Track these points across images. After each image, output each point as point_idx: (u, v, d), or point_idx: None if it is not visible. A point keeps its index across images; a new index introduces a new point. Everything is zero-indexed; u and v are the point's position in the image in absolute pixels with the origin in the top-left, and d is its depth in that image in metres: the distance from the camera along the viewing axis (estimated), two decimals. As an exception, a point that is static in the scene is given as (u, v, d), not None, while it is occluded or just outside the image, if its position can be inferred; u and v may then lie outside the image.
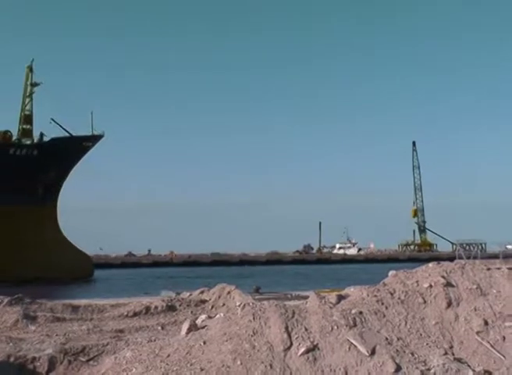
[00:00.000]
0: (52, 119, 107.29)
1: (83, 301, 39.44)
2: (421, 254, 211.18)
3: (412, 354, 16.35)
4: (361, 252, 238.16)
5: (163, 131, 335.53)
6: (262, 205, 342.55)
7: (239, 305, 19.29)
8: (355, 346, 16.25)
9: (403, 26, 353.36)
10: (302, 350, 16.11)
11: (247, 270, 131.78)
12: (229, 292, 35.59)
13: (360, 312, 17.63)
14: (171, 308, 34.19)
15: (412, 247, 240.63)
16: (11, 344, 22.91)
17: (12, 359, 20.09)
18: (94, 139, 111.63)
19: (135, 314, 33.01)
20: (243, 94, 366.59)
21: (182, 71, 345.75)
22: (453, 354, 16.67)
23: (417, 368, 15.78)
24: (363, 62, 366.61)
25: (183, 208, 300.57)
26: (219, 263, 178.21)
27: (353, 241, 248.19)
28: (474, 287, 19.08)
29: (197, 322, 18.95)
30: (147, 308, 33.65)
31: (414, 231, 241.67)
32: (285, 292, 51.05)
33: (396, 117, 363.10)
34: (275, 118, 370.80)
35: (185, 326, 18.29)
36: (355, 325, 17.05)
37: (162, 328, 28.18)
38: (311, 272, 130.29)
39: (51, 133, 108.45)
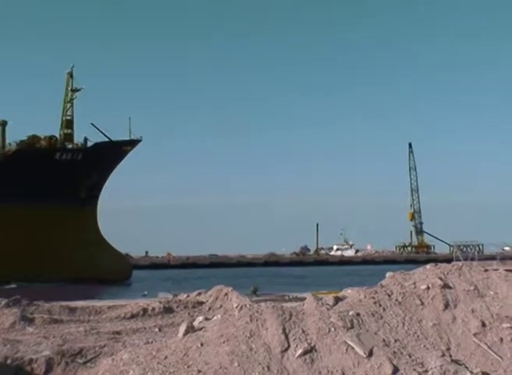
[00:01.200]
0: (92, 124, 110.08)
1: (80, 303, 39.42)
2: (418, 255, 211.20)
3: (409, 356, 16.35)
4: (359, 254, 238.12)
5: (161, 132, 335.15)
6: (260, 206, 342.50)
7: (236, 307, 19.27)
8: (352, 348, 16.24)
9: (401, 25, 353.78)
10: (299, 352, 16.11)
11: (245, 272, 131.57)
12: (226, 294, 35.60)
13: (358, 314, 17.63)
14: (168, 309, 34.19)
15: (409, 248, 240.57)
16: (8, 345, 22.89)
17: (9, 361, 20.08)
18: (133, 143, 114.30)
19: (132, 316, 33.01)
20: (241, 94, 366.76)
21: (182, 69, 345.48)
22: (450, 355, 16.67)
23: (414, 370, 15.78)
24: (361, 63, 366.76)
25: (181, 209, 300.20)
26: (217, 265, 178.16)
27: (351, 243, 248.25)
28: (472, 288, 19.09)
29: (194, 324, 18.94)
30: (145, 310, 33.64)
31: (411, 233, 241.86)
32: (282, 294, 51.02)
33: (394, 118, 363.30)
34: (274, 118, 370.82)
35: (182, 328, 18.28)
36: (352, 327, 17.04)
37: (159, 330, 28.18)
38: (308, 273, 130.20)
39: (89, 137, 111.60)
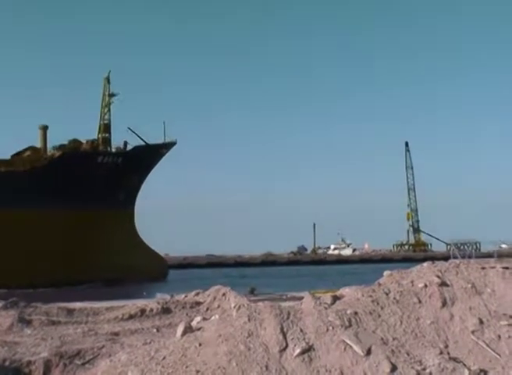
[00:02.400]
0: (129, 128, 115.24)
1: (77, 304, 39.39)
2: (415, 254, 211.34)
3: (407, 354, 16.35)
4: (356, 253, 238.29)
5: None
6: (257, 206, 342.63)
7: (234, 307, 19.30)
8: (350, 346, 16.24)
9: (399, 25, 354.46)
10: (297, 351, 16.10)
11: (242, 272, 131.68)
12: (224, 294, 35.57)
13: (356, 313, 17.63)
14: (166, 310, 34.18)
15: (406, 247, 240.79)
16: (6, 348, 22.89)
17: (7, 363, 20.08)
18: (169, 146, 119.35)
19: (130, 317, 32.99)
20: (238, 92, 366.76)
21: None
22: (448, 353, 16.67)
23: (412, 368, 15.78)
24: (358, 63, 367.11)
25: (177, 209, 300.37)
26: (214, 265, 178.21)
27: (348, 242, 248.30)
28: (469, 286, 19.09)
29: (192, 324, 18.94)
30: (143, 311, 33.63)
31: (408, 231, 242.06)
32: (280, 293, 51.02)
33: (390, 117, 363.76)
34: (272, 119, 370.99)
35: (180, 329, 18.27)
36: (350, 325, 17.04)
37: (158, 330, 28.18)
38: (305, 273, 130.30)
39: (122, 140, 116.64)
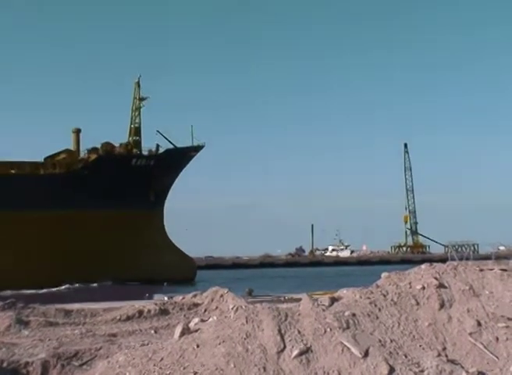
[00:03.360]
0: (158, 131, 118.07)
1: (75, 306, 39.36)
2: (413, 256, 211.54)
3: (405, 356, 16.34)
4: (354, 254, 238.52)
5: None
6: (255, 208, 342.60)
7: (232, 308, 19.25)
8: (348, 348, 16.23)
9: (398, 26, 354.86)
10: (295, 353, 16.10)
11: (240, 273, 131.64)
12: (221, 295, 35.59)
13: (353, 315, 17.62)
14: (164, 311, 34.19)
15: (404, 249, 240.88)
16: (4, 349, 22.89)
17: (5, 364, 20.06)
18: (198, 149, 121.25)
19: (128, 318, 32.99)
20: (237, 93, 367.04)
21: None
22: (446, 355, 16.66)
23: (410, 370, 15.78)
24: (356, 64, 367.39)
25: (175, 211, 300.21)
26: (212, 267, 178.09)
27: (346, 244, 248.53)
28: (467, 288, 19.08)
29: (190, 325, 18.91)
30: (140, 312, 33.63)
31: (406, 233, 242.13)
32: (278, 295, 51.03)
33: (388, 119, 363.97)
34: (270, 119, 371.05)
35: (178, 330, 18.25)
36: (348, 327, 17.03)
37: (155, 332, 28.18)
38: (303, 274, 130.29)
39: (150, 143, 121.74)
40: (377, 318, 17.74)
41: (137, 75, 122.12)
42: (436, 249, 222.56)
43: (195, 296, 38.26)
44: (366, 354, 16.12)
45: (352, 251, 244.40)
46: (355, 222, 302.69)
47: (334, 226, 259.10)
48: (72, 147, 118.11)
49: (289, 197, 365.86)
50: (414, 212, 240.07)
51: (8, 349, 22.87)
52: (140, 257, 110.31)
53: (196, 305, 35.73)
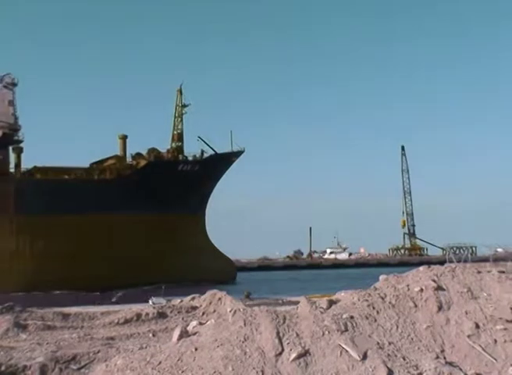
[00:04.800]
0: (199, 137, 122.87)
1: (73, 309, 39.32)
2: (411, 258, 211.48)
3: (404, 358, 16.33)
4: (352, 257, 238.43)
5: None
6: (253, 210, 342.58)
7: (230, 311, 19.24)
8: (346, 351, 16.22)
9: (398, 29, 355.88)
10: (293, 355, 16.08)
11: (238, 276, 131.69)
12: (219, 298, 35.54)
13: (352, 317, 17.61)
14: (162, 315, 34.13)
15: (402, 251, 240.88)
16: (2, 352, 22.85)
17: (3, 368, 20.03)
18: (238, 154, 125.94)
19: (126, 321, 32.94)
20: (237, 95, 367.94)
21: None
22: (444, 357, 16.66)
23: (408, 372, 15.77)
24: (355, 65, 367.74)
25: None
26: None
27: (344, 246, 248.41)
28: (465, 290, 19.08)
29: (188, 328, 18.91)
30: (138, 316, 33.58)
31: (404, 235, 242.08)
32: (276, 297, 51.02)
33: (387, 121, 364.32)
34: (268, 122, 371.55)
35: (176, 333, 18.25)
36: (346, 330, 17.02)
37: (153, 335, 28.14)
38: (301, 277, 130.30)
39: (192, 148, 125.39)
40: (375, 320, 17.73)
41: (180, 82, 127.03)
42: (434, 251, 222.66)
43: (193, 299, 38.22)
44: (364, 356, 16.11)
45: (350, 254, 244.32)
46: (353, 224, 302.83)
47: (332, 228, 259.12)
48: (119, 152, 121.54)
49: (287, 199, 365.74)
50: (412, 214, 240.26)
51: (7, 353, 22.84)
52: (187, 259, 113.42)
53: (194, 308, 35.68)
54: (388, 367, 15.79)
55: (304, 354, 16.19)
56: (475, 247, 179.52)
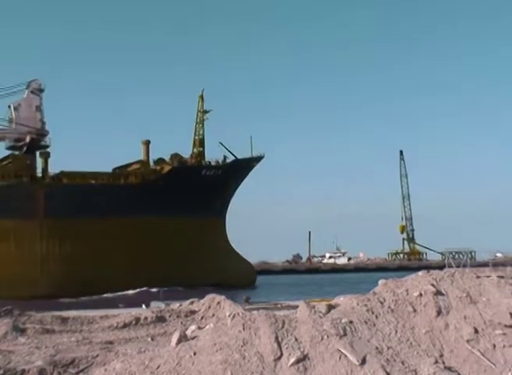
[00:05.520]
0: (220, 143, 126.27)
1: (72, 313, 39.29)
2: (410, 263, 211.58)
3: (403, 363, 16.32)
4: (351, 261, 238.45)
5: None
6: (252, 214, 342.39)
7: (229, 316, 19.23)
8: (345, 355, 16.20)
9: (398, 33, 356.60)
10: (292, 360, 16.07)
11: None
12: (218, 302, 35.49)
13: (351, 322, 17.60)
14: (161, 319, 34.10)
15: (401, 256, 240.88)
16: (0, 356, 22.81)
17: (1, 372, 19.99)
18: (258, 159, 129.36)
19: (125, 325, 32.90)
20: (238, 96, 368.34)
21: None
22: (443, 362, 16.64)
23: (407, 377, 15.77)
24: (354, 67, 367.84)
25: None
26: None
27: (343, 251, 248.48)
28: (464, 295, 19.07)
29: (186, 332, 18.89)
30: (137, 320, 33.54)
31: (403, 240, 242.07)
32: (275, 302, 51.00)
33: (386, 125, 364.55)
34: (268, 124, 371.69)
35: (175, 337, 18.22)
36: (345, 334, 17.01)
37: (152, 339, 28.11)
38: (300, 281, 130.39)
39: (211, 154, 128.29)
40: (374, 325, 17.72)
41: (201, 89, 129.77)
42: (433, 256, 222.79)
43: (192, 303, 38.18)
44: (363, 361, 16.10)
45: (349, 258, 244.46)
46: (352, 229, 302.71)
47: (331, 233, 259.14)
48: (141, 158, 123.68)
49: (286, 203, 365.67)
50: (411, 218, 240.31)
51: (5, 356, 22.81)
52: (209, 263, 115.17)
53: (193, 312, 35.64)
54: (387, 372, 15.78)
55: (303, 358, 16.18)
56: (474, 252, 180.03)
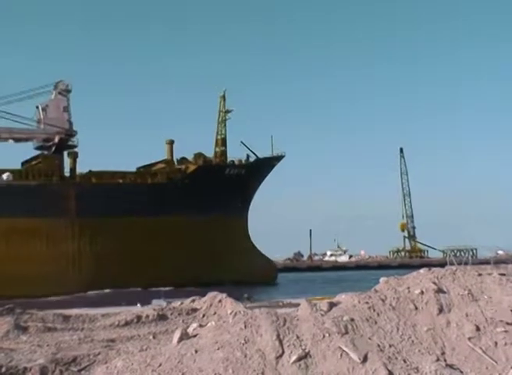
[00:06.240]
0: (242, 142, 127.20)
1: (74, 311, 39.30)
2: (412, 260, 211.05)
3: (404, 361, 16.31)
4: (352, 259, 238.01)
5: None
6: (253, 212, 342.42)
7: (230, 314, 19.25)
8: (347, 353, 16.20)
9: (399, 33, 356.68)
10: (294, 358, 16.07)
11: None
12: (220, 300, 35.51)
13: (352, 319, 17.60)
14: (162, 317, 34.11)
15: (403, 253, 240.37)
16: (2, 354, 22.84)
17: (3, 370, 19.99)
18: (279, 159, 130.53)
19: (126, 323, 32.92)
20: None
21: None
22: (445, 360, 16.64)
23: (409, 374, 15.76)
24: (354, 68, 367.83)
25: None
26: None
27: (344, 248, 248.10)
28: (466, 292, 19.07)
29: (188, 330, 18.89)
30: (139, 318, 33.56)
31: (404, 237, 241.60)
32: (276, 300, 51.01)
33: (387, 123, 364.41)
34: (268, 125, 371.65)
35: (176, 335, 18.23)
36: (347, 332, 17.01)
37: (154, 337, 28.11)
38: (302, 279, 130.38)
39: (232, 153, 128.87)
40: (376, 323, 17.72)
41: (223, 89, 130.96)
42: (435, 254, 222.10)
43: (193, 301, 38.19)
44: (365, 359, 16.10)
45: (350, 256, 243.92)
46: (353, 226, 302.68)
47: (332, 230, 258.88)
48: (165, 157, 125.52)
49: (288, 201, 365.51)
50: (412, 216, 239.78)
51: (7, 355, 22.83)
52: (233, 260, 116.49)
53: (194, 310, 35.66)
54: (388, 369, 15.78)
55: (305, 356, 16.18)
56: (476, 249, 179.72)
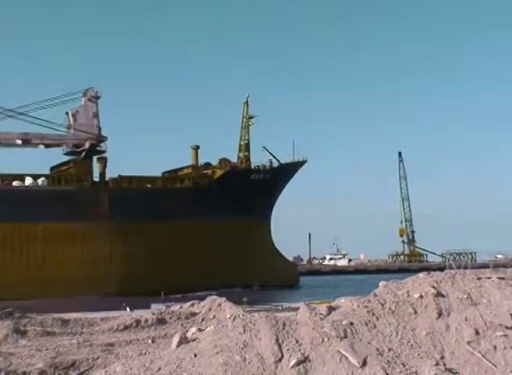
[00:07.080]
0: (264, 148, 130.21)
1: (72, 315, 39.27)
2: (411, 264, 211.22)
3: (403, 365, 16.30)
4: (351, 263, 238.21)
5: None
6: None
7: (229, 318, 19.22)
8: (346, 357, 16.19)
9: (398, 34, 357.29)
10: (293, 362, 16.05)
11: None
12: (219, 304, 35.53)
13: (351, 324, 17.59)
14: (161, 321, 34.10)
15: (402, 257, 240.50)
16: (1, 358, 22.83)
17: (2, 374, 19.99)
18: (301, 164, 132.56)
19: (125, 327, 32.91)
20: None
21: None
22: (444, 364, 16.63)
23: (408, 379, 15.75)
24: (353, 70, 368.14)
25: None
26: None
27: (344, 252, 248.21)
28: (465, 296, 19.06)
29: (187, 335, 18.87)
30: (138, 322, 33.55)
31: (403, 241, 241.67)
32: (275, 304, 51.00)
33: (386, 126, 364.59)
34: (269, 125, 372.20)
35: (175, 339, 18.21)
36: (346, 336, 17.00)
37: (153, 341, 28.12)
38: (301, 283, 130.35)
39: (254, 158, 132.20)
40: (375, 327, 17.71)
41: (246, 95, 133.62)
42: (434, 258, 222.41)
43: (192, 305, 38.20)
44: (364, 363, 16.08)
45: (350, 260, 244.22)
46: (352, 230, 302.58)
47: (331, 234, 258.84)
48: (191, 162, 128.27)
49: (287, 205, 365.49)
50: (411, 220, 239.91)
51: (6, 359, 22.82)
52: (259, 264, 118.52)
53: (193, 314, 35.66)
54: (387, 374, 15.77)
55: (304, 360, 16.16)
56: (475, 253, 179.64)
